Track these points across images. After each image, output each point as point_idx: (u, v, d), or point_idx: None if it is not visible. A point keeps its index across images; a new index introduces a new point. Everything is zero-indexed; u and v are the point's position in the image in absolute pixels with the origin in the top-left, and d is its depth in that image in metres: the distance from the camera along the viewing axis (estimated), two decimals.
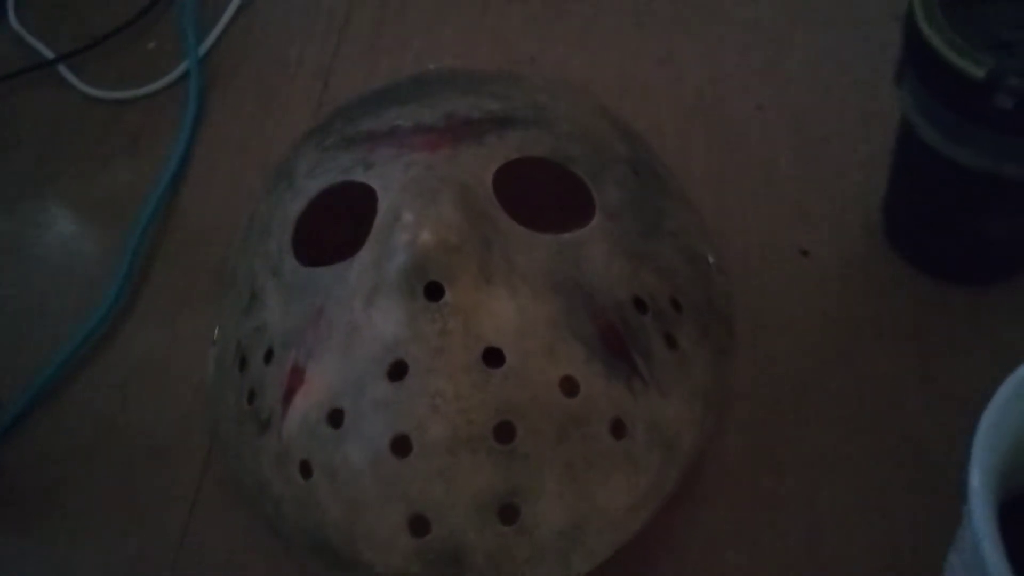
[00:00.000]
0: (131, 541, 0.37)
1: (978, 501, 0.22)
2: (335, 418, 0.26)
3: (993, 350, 0.37)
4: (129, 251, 0.45)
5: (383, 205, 0.28)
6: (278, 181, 0.34)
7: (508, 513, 0.26)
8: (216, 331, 0.34)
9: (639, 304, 0.30)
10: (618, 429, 0.28)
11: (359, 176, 0.30)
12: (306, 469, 0.27)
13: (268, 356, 0.29)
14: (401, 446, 0.26)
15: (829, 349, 0.38)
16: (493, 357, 0.26)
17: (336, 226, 0.33)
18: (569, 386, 0.27)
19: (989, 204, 0.35)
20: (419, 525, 0.26)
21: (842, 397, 0.37)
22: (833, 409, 0.37)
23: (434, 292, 0.26)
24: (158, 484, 0.39)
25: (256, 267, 0.32)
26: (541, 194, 0.32)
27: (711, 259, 0.36)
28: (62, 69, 0.55)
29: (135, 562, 0.37)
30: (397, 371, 0.26)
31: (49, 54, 0.56)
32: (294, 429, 0.27)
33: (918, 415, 0.36)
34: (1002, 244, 0.37)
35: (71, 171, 0.50)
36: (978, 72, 0.30)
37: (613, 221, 0.30)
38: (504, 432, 0.26)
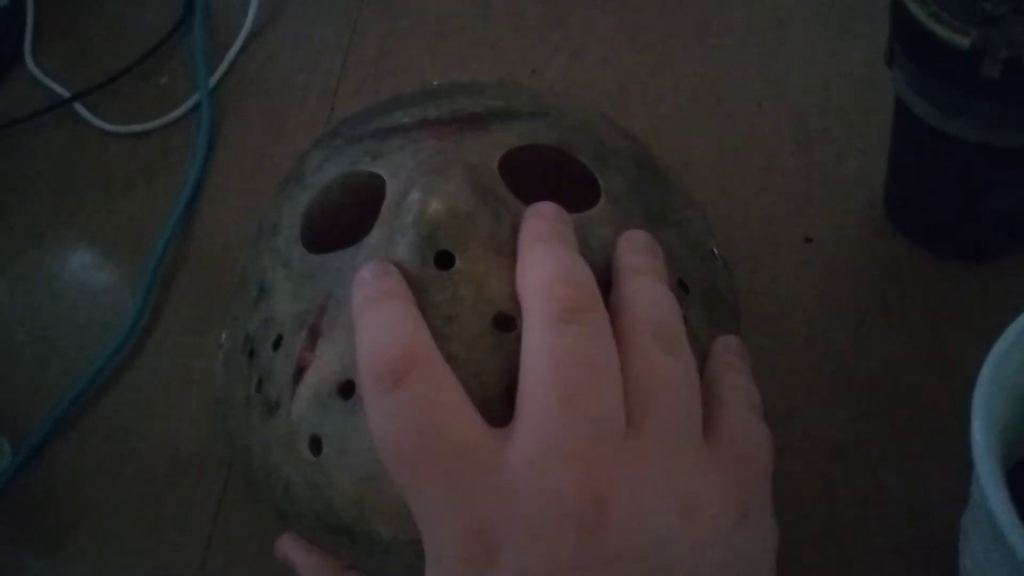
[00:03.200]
0: (156, 555, 0.38)
1: (981, 454, 0.23)
2: (346, 390, 0.27)
3: (1004, 324, 0.37)
4: (148, 274, 0.46)
5: (391, 189, 0.29)
6: (286, 184, 0.35)
7: None
8: (224, 334, 0.35)
9: None
10: None
11: (367, 166, 0.30)
12: (316, 445, 0.27)
13: (277, 343, 0.29)
14: None
15: (839, 333, 0.38)
16: (504, 322, 0.26)
17: (346, 218, 0.33)
18: None
19: (986, 176, 0.35)
20: None
21: (855, 381, 0.37)
22: (846, 393, 0.37)
23: (445, 261, 0.26)
24: (182, 499, 0.39)
25: (265, 263, 0.32)
26: (546, 183, 0.32)
27: (716, 252, 0.36)
28: (78, 107, 0.56)
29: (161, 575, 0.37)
30: None
31: (65, 94, 0.57)
32: (303, 406, 0.27)
33: (933, 394, 0.36)
34: (1005, 217, 0.37)
35: (89, 204, 0.52)
36: (963, 42, 0.30)
37: (618, 205, 0.31)
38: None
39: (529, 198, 0.29)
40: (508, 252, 0.27)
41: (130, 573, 0.38)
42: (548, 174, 0.33)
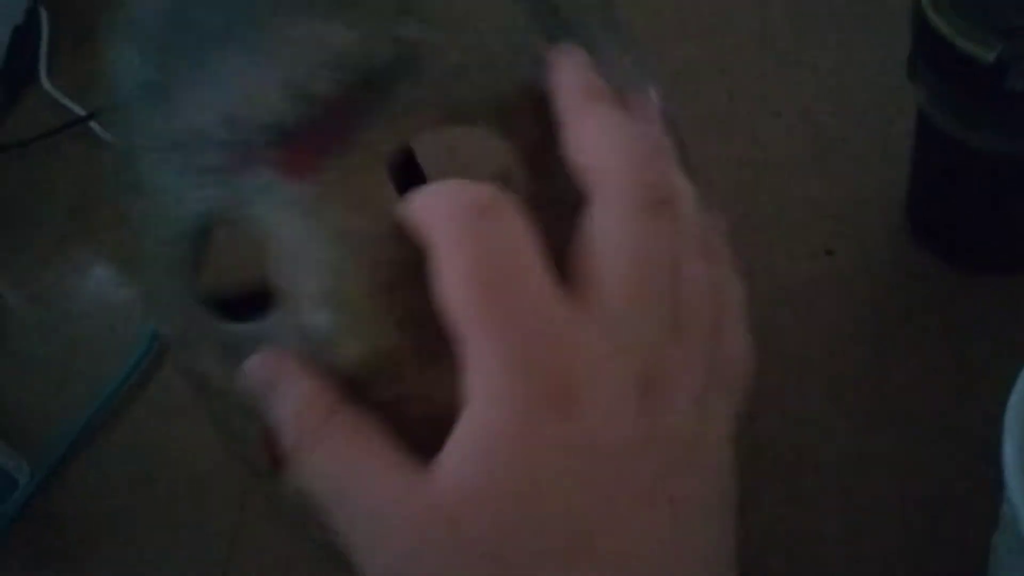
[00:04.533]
0: (176, 573, 0.38)
1: (1013, 473, 0.22)
2: None
3: None
4: None
5: (282, 282, 0.21)
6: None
7: None
8: None
9: None
10: None
11: (233, 213, 0.22)
12: None
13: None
14: None
15: (861, 346, 0.38)
16: None
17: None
18: None
19: (1009, 187, 0.35)
20: None
21: (877, 393, 0.36)
22: (869, 405, 0.36)
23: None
24: (201, 516, 0.39)
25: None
26: None
27: None
28: (93, 125, 0.57)
29: None
30: None
31: (81, 112, 0.58)
32: None
33: (956, 406, 0.36)
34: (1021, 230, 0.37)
35: (104, 221, 0.52)
36: (988, 55, 0.30)
37: None
38: None
39: None
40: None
41: None
42: None
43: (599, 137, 0.22)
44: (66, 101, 0.59)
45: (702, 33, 0.51)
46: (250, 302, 0.24)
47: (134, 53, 0.23)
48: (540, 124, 0.22)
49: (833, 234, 0.41)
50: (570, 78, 0.23)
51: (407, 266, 0.21)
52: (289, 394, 0.21)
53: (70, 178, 0.55)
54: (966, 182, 0.36)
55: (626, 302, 0.21)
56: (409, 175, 0.24)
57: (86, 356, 0.46)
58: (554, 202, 0.22)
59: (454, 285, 0.20)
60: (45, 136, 0.57)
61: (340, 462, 0.21)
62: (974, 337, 0.37)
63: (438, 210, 0.20)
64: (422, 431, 0.21)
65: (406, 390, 0.21)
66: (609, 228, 0.21)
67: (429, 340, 0.21)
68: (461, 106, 0.22)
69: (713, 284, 0.24)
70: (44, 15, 0.64)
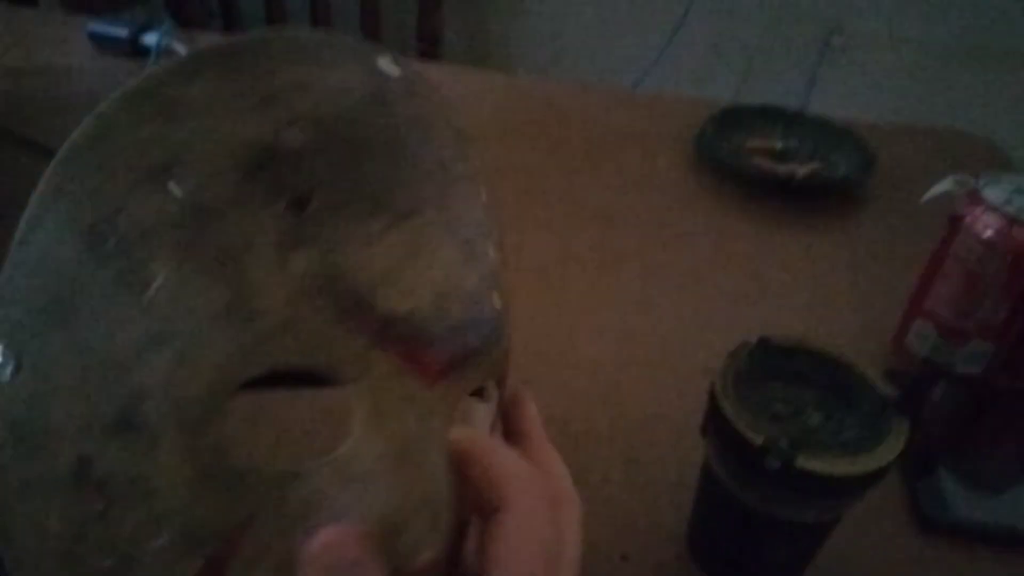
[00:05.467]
0: None
1: None
2: None
3: None
4: None
5: (365, 450, 0.26)
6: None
7: None
8: None
9: None
10: None
11: (347, 383, 0.27)
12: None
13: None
14: None
15: None
16: None
17: None
18: None
19: (767, 535, 0.45)
20: None
21: None
22: None
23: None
24: None
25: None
26: None
27: None
28: None
29: None
30: None
31: None
32: None
33: None
34: (776, 564, 0.47)
35: None
36: (756, 439, 0.41)
37: None
38: None
39: None
40: None
41: None
42: None
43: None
44: None
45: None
46: None
47: None
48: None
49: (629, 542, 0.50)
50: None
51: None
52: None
53: None
54: (735, 525, 0.46)
55: None
56: None
57: None
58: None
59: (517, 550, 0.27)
60: None
61: None
62: None
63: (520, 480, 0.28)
64: None
65: None
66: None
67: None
68: (499, 365, 0.33)
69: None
70: None
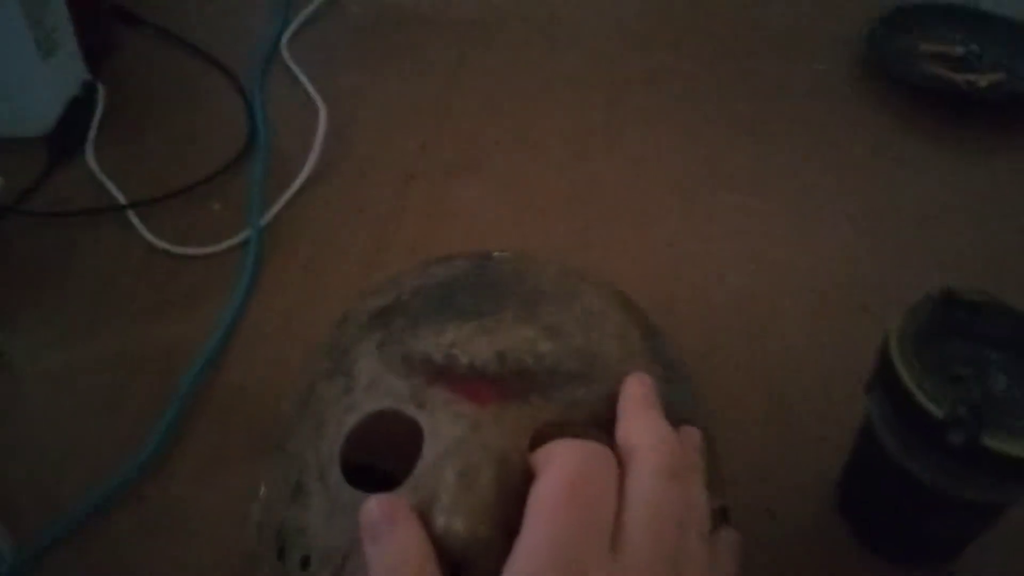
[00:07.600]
0: None
1: None
2: None
3: None
4: (173, 407, 0.49)
5: (427, 455, 0.31)
6: (335, 372, 0.37)
7: None
8: (262, 489, 0.37)
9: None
10: None
11: (411, 411, 0.33)
12: None
13: (305, 562, 0.32)
14: None
15: None
16: None
17: (377, 444, 0.35)
18: None
19: (930, 510, 0.41)
20: None
21: None
22: None
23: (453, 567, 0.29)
24: None
25: (307, 457, 0.35)
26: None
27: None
28: (130, 214, 0.60)
29: None
30: None
31: (119, 195, 0.61)
32: None
33: None
34: (938, 538, 0.43)
35: (125, 316, 0.55)
36: (938, 412, 0.37)
37: None
38: None
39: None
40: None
41: None
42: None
43: (638, 426, 0.33)
44: (107, 182, 0.62)
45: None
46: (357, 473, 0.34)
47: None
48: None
49: (775, 498, 0.47)
50: (635, 389, 0.35)
51: (516, 487, 0.30)
52: (397, 536, 0.29)
53: (99, 261, 0.58)
54: (894, 493, 0.42)
55: (641, 547, 0.29)
56: None
57: (85, 448, 0.48)
58: None
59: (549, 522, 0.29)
60: (82, 214, 0.60)
61: None
62: None
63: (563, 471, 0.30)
64: None
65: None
66: (633, 487, 0.31)
67: (506, 542, 0.29)
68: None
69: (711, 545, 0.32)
70: (101, 91, 0.68)
